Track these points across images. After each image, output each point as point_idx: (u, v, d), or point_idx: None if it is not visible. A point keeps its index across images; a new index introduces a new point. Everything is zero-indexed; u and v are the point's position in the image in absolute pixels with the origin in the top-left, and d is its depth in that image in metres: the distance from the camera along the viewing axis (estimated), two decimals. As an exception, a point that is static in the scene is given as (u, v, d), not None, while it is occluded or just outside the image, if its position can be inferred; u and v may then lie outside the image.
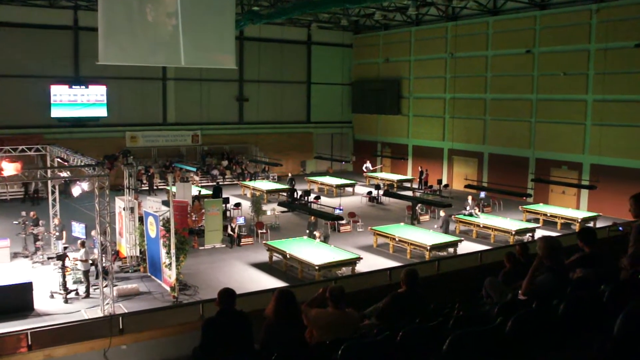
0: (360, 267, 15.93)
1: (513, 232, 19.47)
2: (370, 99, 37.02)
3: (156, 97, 32.76)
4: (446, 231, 19.93)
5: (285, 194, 27.33)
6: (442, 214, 20.28)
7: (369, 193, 27.99)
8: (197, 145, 33.92)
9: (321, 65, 38.27)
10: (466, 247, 18.50)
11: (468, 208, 21.72)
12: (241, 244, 19.35)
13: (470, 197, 22.35)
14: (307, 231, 18.77)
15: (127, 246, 16.92)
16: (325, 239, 18.27)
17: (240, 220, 20.04)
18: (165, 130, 32.93)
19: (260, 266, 17.06)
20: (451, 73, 31.33)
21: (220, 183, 27.71)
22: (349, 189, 30.22)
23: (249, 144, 35.48)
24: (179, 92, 33.28)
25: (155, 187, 28.94)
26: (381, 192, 26.89)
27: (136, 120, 31.92)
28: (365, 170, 33.89)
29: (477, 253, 12.15)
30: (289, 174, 30.80)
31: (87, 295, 14.22)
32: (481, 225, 20.62)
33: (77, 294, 14.27)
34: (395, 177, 32.48)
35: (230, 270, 16.74)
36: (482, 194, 25.58)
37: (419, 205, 23.12)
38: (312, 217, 18.63)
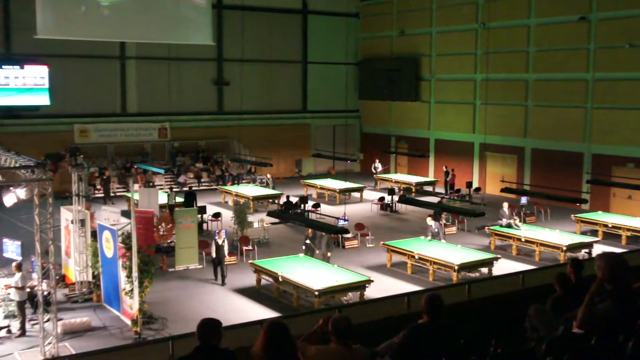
0: (371, 292, 15.90)
1: (564, 248, 19.44)
2: (381, 82, 37.05)
3: (112, 80, 32.81)
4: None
5: (274, 201, 27.38)
6: (429, 222, 20.17)
7: (381, 199, 28.00)
8: (166, 141, 33.96)
9: (320, 40, 38.36)
10: (504, 266, 18.45)
11: (505, 217, 21.71)
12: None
13: (507, 204, 22.35)
14: (304, 246, 18.73)
15: (75, 269, 16.85)
16: (324, 257, 18.23)
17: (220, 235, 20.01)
18: (124, 123, 32.99)
19: (246, 292, 17.01)
20: (483, 48, 31.36)
21: (193, 188, 27.65)
22: (356, 195, 30.24)
23: (230, 139, 35.50)
24: (142, 74, 33.33)
25: (112, 194, 28.93)
26: (396, 198, 26.88)
27: (87, 109, 31.95)
28: (374, 170, 33.97)
29: (518, 274, 12.14)
30: (273, 178, 30.74)
31: (23, 333, 14.10)
32: (523, 239, 20.60)
33: (8, 331, 14.14)
34: (414, 179, 32.51)
35: (208, 298, 16.68)
36: (524, 200, 25.58)
37: (444, 214, 23.06)
38: (310, 230, 18.61)
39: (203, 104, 35.25)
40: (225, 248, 17.77)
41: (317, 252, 18.30)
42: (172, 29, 29.34)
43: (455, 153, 33.41)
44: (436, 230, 20.08)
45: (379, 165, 34.27)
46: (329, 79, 38.65)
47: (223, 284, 17.51)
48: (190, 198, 24.73)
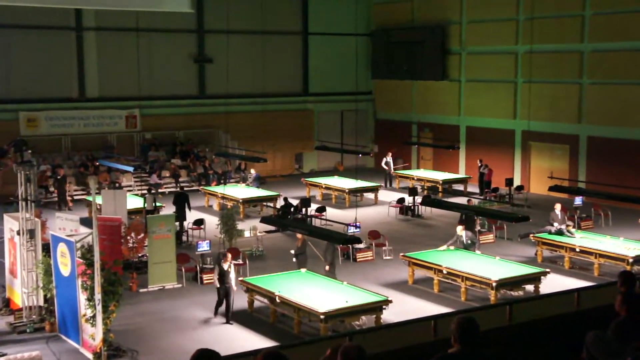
0: (389, 316, 15.93)
1: (630, 260, 19.36)
2: (400, 57, 37.02)
3: (67, 57, 32.88)
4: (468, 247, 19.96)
5: (269, 204, 27.47)
6: (460, 232, 20.06)
7: (400, 201, 27.98)
8: (135, 132, 34.03)
9: (324, 5, 38.39)
10: (554, 282, 18.43)
11: (556, 223, 21.64)
12: (204, 281, 19.34)
13: (558, 206, 22.27)
14: (295, 259, 18.80)
15: (23, 291, 16.84)
16: (327, 271, 18.28)
17: (203, 246, 20.06)
18: (83, 110, 33.07)
19: (235, 316, 16.95)
20: (526, 13, 31.27)
21: (185, 188, 27.50)
22: (370, 196, 30.28)
23: (214, 128, 35.54)
24: (104, 49, 33.40)
25: (68, 198, 28.97)
26: (419, 199, 26.85)
27: (36, 93, 32.05)
28: (386, 167, 33.81)
29: (572, 292, 12.10)
30: (258, 175, 30.70)
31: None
32: (577, 249, 20.54)
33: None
34: (441, 175, 32.51)
35: (189, 324, 16.68)
36: (578, 200, 25.53)
37: (479, 219, 22.95)
38: (299, 241, 18.73)
39: (180, 86, 35.28)
40: (233, 276, 16.82)
41: (327, 267, 18.32)
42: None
43: (492, 143, 33.36)
44: (468, 241, 20.00)
45: (391, 160, 34.05)
46: (335, 54, 38.63)
47: (228, 322, 16.66)
48: (181, 201, 24.86)
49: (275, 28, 37.32)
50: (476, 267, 18.40)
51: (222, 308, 16.85)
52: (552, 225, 21.65)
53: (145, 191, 28.25)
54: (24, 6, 28.85)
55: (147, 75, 33.43)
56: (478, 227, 23.16)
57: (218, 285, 16.79)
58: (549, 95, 31.09)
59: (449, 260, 18.95)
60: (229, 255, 17.11)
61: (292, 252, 19.07)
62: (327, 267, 18.33)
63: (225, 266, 16.76)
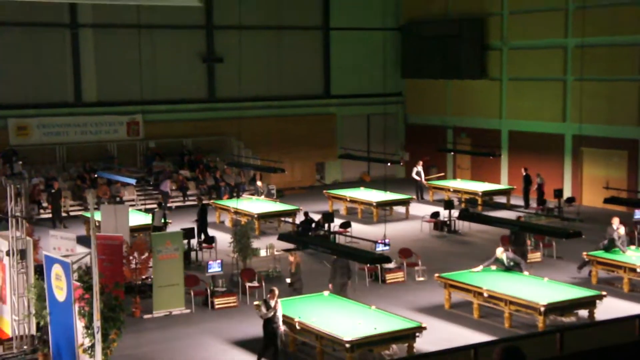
0: (423, 344, 15.89)
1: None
2: (433, 54, 36.96)
3: (61, 57, 33.11)
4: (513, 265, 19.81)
5: (288, 220, 27.47)
6: (501, 254, 19.84)
7: (435, 215, 27.92)
8: (138, 140, 34.16)
9: (348, -4, 38.41)
10: (611, 307, 18.28)
11: (616, 239, 21.49)
12: (216, 306, 19.41)
13: (616, 220, 22.07)
14: (290, 286, 18.89)
15: (13, 319, 16.90)
16: (342, 290, 18.30)
17: (215, 267, 20.06)
18: (79, 116, 33.28)
19: (251, 344, 16.98)
20: (577, 1, 31.14)
21: (203, 202, 27.74)
22: (400, 210, 30.25)
23: (226, 136, 35.62)
24: (102, 48, 33.62)
25: (64, 214, 29.11)
26: (455, 213, 26.74)
27: (27, 98, 32.31)
28: (417, 177, 33.62)
29: (632, 319, 11.98)
30: (269, 187, 30.65)
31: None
32: (638, 270, 20.33)
33: None
34: (480, 186, 32.38)
35: (199, 354, 16.69)
36: (639, 214, 25.32)
37: (531, 238, 22.79)
38: (292, 257, 18.92)
39: (188, 88, 35.42)
40: (280, 314, 15.92)
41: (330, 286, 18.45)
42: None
43: (538, 150, 33.20)
44: (511, 262, 19.76)
45: (422, 170, 33.66)
46: (361, 52, 38.65)
47: None
48: (203, 216, 25.35)
49: (293, 23, 37.40)
50: (522, 289, 18.24)
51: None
52: (609, 241, 21.44)
53: (150, 205, 28.37)
54: (12, 0, 29.02)
55: (151, 77, 33.45)
56: (531, 247, 23.00)
57: (266, 330, 15.86)
58: (603, 94, 30.90)
59: (491, 282, 18.83)
60: (276, 291, 16.12)
61: (288, 280, 19.06)
62: (330, 286, 18.38)
63: (272, 302, 15.89)
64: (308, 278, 20.27)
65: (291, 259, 19.17)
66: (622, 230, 21.64)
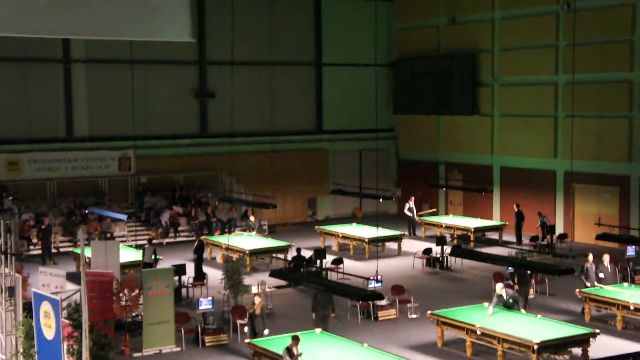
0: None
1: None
2: (425, 90, 37.14)
3: (53, 93, 33.16)
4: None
5: (279, 256, 27.45)
6: (500, 290, 19.77)
7: (427, 252, 27.88)
8: (129, 176, 34.10)
9: (340, 32, 38.66)
10: (605, 345, 18.30)
11: (590, 268, 21.72)
12: (207, 344, 19.32)
13: (607, 257, 22.18)
14: (249, 328, 19.08)
15: (1, 357, 16.74)
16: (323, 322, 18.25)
17: (206, 304, 19.96)
18: (71, 151, 33.23)
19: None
20: (567, 38, 31.33)
21: (200, 238, 27.80)
22: (393, 246, 30.26)
23: (218, 171, 35.61)
24: (95, 84, 33.69)
25: (54, 250, 28.99)
26: (447, 249, 26.73)
27: (17, 133, 32.27)
28: (409, 213, 33.67)
29: (626, 357, 11.89)
30: (260, 221, 30.64)
31: None
32: (631, 307, 20.30)
33: None
34: (472, 222, 32.40)
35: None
36: (631, 251, 25.30)
37: (529, 275, 22.80)
38: (257, 304, 19.18)
39: (180, 123, 35.46)
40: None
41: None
42: (136, 20, 29.39)
43: (530, 186, 33.28)
44: (510, 299, 19.66)
45: (414, 206, 33.78)
46: (353, 87, 38.82)
47: None
48: (200, 252, 25.43)
49: (285, 58, 37.56)
50: (515, 327, 18.20)
51: None
52: (587, 278, 21.72)
53: (141, 241, 28.23)
54: (4, 36, 29.02)
55: (143, 112, 33.50)
56: (533, 288, 23.08)
57: None
58: (594, 131, 31.01)
59: (484, 319, 18.78)
60: (300, 339, 15.86)
61: (245, 326, 19.47)
62: (313, 316, 18.63)
63: (295, 350, 15.59)
64: (299, 314, 20.19)
65: (257, 300, 19.27)
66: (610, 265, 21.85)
